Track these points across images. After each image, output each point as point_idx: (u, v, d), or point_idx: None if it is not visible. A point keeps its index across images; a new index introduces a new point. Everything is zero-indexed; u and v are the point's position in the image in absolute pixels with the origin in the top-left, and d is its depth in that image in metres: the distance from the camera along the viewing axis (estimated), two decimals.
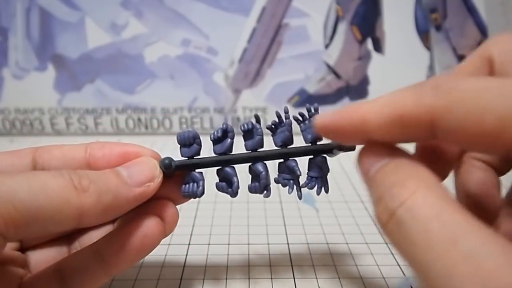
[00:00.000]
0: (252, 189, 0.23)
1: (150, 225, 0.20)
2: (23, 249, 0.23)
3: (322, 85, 0.53)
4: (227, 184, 0.23)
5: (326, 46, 0.52)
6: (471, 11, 0.52)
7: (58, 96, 0.53)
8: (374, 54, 0.53)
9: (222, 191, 0.23)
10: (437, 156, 0.19)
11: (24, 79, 0.53)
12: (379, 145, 0.17)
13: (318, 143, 0.22)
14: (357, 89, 0.54)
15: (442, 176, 0.20)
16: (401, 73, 0.53)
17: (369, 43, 0.52)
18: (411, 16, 0.52)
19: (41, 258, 0.23)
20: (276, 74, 0.53)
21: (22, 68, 0.53)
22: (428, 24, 0.52)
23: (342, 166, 0.44)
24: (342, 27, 0.52)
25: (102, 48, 0.52)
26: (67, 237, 0.24)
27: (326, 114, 0.17)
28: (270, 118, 0.53)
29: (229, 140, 0.22)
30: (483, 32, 0.52)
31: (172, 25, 0.52)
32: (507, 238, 0.14)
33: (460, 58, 0.53)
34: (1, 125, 0.54)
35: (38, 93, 0.53)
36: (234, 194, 0.22)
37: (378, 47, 0.53)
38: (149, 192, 0.20)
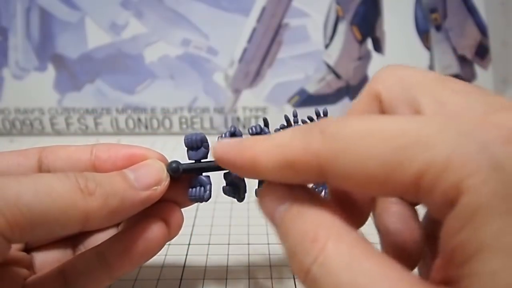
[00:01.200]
0: (258, 194, 0.23)
1: (154, 229, 0.20)
2: (28, 249, 0.23)
3: (322, 85, 0.53)
4: (234, 188, 0.22)
5: (326, 46, 0.52)
6: (471, 11, 0.52)
7: (58, 96, 0.53)
8: (374, 54, 0.53)
9: (229, 195, 0.22)
10: (352, 199, 0.18)
11: (24, 79, 0.53)
12: (278, 184, 0.16)
13: None
14: (357, 89, 0.53)
15: (362, 219, 0.19)
16: None
17: (369, 43, 0.52)
18: (411, 16, 0.52)
19: (46, 259, 0.23)
20: (276, 74, 0.53)
21: (22, 68, 0.53)
22: (428, 24, 0.52)
23: None
24: (342, 27, 0.52)
25: (102, 48, 0.52)
26: (72, 238, 0.24)
27: (223, 145, 0.17)
28: (270, 118, 0.53)
29: None
30: (483, 32, 0.52)
31: (172, 25, 0.52)
32: (430, 271, 0.14)
33: (460, 58, 0.53)
34: (1, 125, 0.54)
35: (38, 93, 0.53)
36: (241, 199, 0.22)
37: (378, 47, 0.53)
38: (155, 195, 0.20)
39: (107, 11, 0.52)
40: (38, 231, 0.16)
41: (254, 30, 0.52)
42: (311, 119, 0.22)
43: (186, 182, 0.22)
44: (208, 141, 0.22)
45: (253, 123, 0.54)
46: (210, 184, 0.22)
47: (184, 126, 0.54)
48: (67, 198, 0.16)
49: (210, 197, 0.22)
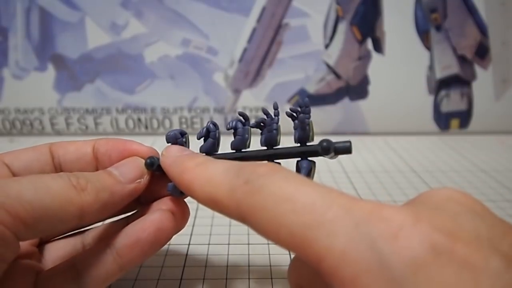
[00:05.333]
0: None
1: (163, 219, 0.21)
2: (38, 244, 0.24)
3: (322, 85, 0.53)
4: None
5: (326, 46, 0.52)
6: (471, 11, 0.52)
7: (58, 96, 0.53)
8: (374, 54, 0.53)
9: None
10: None
11: (24, 79, 0.53)
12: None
13: (307, 144, 0.21)
14: (357, 89, 0.54)
15: None
16: (401, 73, 0.53)
17: (369, 43, 0.52)
18: (411, 16, 0.52)
19: (57, 253, 0.23)
20: (276, 74, 0.53)
21: (22, 68, 0.53)
22: (428, 24, 0.52)
23: (342, 166, 0.44)
24: (342, 27, 0.52)
25: (102, 48, 0.52)
26: (81, 232, 0.25)
27: (168, 158, 0.20)
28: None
29: (211, 140, 0.22)
30: (483, 32, 0.52)
31: (172, 25, 0.52)
32: None
33: (460, 58, 0.53)
34: (1, 125, 0.54)
35: (38, 93, 0.53)
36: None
37: (378, 47, 0.53)
38: (140, 187, 0.21)
39: (107, 11, 0.52)
40: (40, 226, 0.17)
41: (254, 30, 0.52)
42: (295, 111, 0.21)
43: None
44: (186, 136, 0.23)
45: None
46: None
47: (184, 126, 0.54)
48: (64, 194, 0.18)
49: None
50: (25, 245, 0.22)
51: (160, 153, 0.22)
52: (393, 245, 0.12)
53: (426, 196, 0.16)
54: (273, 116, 0.21)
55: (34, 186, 0.17)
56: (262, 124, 0.21)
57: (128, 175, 0.21)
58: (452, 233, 0.13)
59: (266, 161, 0.21)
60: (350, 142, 0.19)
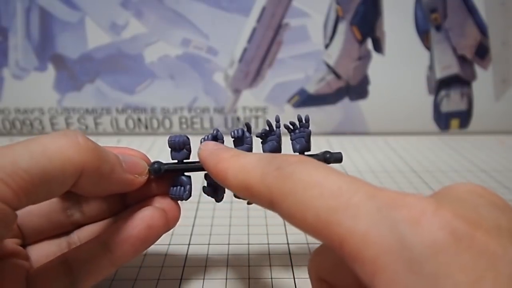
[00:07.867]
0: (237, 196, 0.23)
1: (154, 216, 0.21)
2: (24, 245, 0.23)
3: (322, 85, 0.53)
4: (213, 189, 0.23)
5: (326, 46, 0.52)
6: (471, 11, 0.52)
7: (58, 96, 0.53)
8: (374, 54, 0.53)
9: (208, 195, 0.24)
10: None
11: (24, 79, 0.53)
12: None
13: (305, 153, 0.23)
14: (357, 89, 0.54)
15: None
16: (401, 73, 0.53)
17: (369, 43, 0.52)
18: (411, 16, 0.52)
19: (42, 253, 0.23)
20: (276, 74, 0.53)
21: (22, 68, 0.53)
22: (428, 24, 0.52)
23: (342, 166, 0.44)
24: (342, 27, 0.52)
25: (102, 48, 0.52)
26: (66, 232, 0.24)
27: (206, 151, 0.21)
28: (270, 118, 0.53)
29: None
30: (483, 32, 0.52)
31: (172, 25, 0.52)
32: None
33: (460, 58, 0.53)
34: (1, 125, 0.54)
35: (38, 93, 0.53)
36: (219, 199, 0.23)
37: (378, 47, 0.53)
38: (136, 182, 0.22)
39: (107, 11, 0.52)
40: (40, 191, 0.17)
41: (254, 30, 0.52)
42: (293, 125, 0.23)
43: (170, 180, 0.23)
44: (191, 143, 0.23)
45: (253, 123, 0.54)
46: (190, 185, 0.23)
47: (184, 126, 0.54)
48: (62, 153, 0.17)
49: (189, 196, 0.23)
50: (10, 244, 0.22)
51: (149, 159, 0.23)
52: (415, 228, 0.13)
53: (447, 189, 0.16)
54: (275, 128, 0.23)
55: (29, 151, 0.17)
56: (263, 134, 0.23)
57: (130, 165, 0.21)
58: (472, 221, 0.13)
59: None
60: (341, 153, 0.23)
